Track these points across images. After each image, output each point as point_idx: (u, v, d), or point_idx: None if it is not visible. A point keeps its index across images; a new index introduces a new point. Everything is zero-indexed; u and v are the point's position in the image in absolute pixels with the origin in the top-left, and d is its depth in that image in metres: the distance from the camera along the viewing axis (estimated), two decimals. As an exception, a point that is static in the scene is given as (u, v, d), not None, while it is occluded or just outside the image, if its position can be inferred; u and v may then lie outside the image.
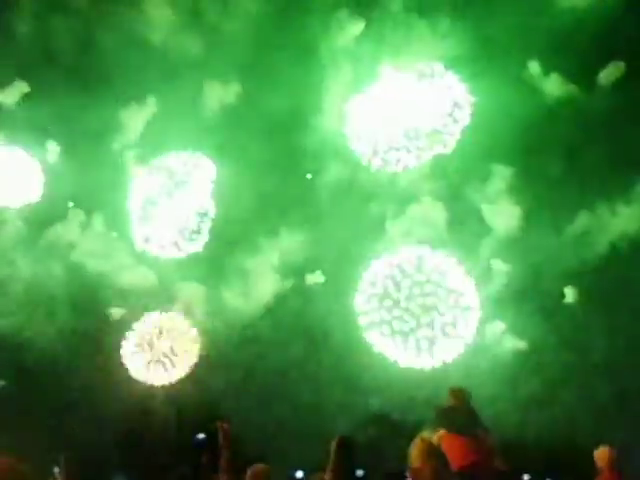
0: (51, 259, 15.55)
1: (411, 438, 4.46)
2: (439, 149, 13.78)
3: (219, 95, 15.74)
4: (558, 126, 13.53)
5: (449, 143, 13.71)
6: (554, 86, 13.94)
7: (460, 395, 6.05)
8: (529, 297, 13.39)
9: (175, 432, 15.94)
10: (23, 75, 15.21)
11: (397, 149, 13.90)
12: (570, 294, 13.55)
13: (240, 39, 15.12)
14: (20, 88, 15.05)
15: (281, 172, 15.03)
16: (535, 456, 13.14)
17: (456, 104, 13.64)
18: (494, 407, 10.82)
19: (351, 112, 14.67)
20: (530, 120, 13.17)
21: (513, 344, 13.47)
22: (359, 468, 6.54)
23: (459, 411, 5.85)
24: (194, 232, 15.01)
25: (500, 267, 13.70)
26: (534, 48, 13.95)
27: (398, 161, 13.95)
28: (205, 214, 15.03)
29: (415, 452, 3.98)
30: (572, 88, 13.88)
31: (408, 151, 13.83)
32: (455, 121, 13.63)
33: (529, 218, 13.72)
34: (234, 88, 15.72)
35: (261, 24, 15.21)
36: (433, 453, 3.97)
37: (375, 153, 14.04)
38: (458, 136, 13.66)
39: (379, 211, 14.51)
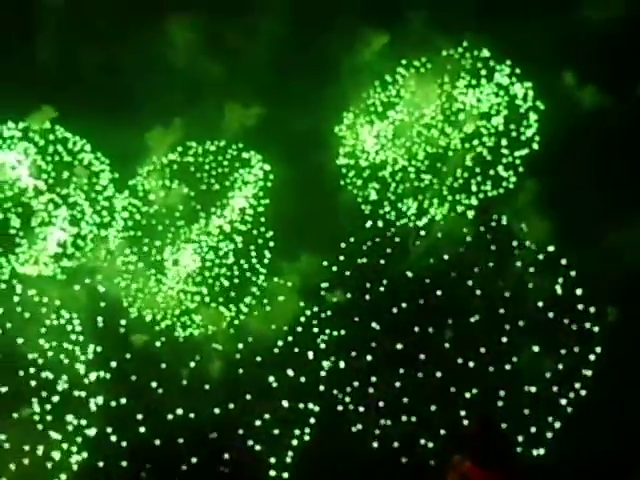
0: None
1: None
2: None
3: (240, 116, 15.70)
4: (592, 138, 13.11)
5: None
6: (590, 97, 13.53)
7: (485, 423, 5.56)
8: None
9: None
10: (48, 99, 15.31)
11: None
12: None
13: (261, 60, 15.13)
14: (47, 113, 15.13)
15: (301, 192, 14.88)
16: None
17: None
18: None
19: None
20: (562, 131, 12.81)
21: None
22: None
23: (486, 441, 5.31)
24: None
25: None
26: (570, 58, 13.61)
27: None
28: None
29: None
30: (608, 99, 13.45)
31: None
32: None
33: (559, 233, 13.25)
34: (255, 110, 15.67)
35: (282, 45, 15.17)
36: None
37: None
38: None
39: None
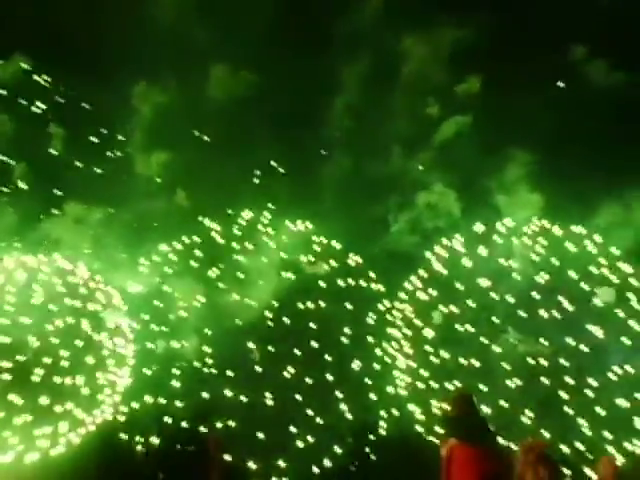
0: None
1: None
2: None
3: (228, 84, 14.96)
4: (595, 113, 12.53)
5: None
6: (599, 72, 12.95)
7: (466, 401, 5.53)
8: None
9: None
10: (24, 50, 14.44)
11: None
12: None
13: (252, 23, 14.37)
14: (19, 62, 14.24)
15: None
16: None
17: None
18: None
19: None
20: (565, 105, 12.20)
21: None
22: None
23: (467, 420, 5.35)
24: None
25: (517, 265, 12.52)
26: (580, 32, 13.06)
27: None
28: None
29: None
30: (618, 75, 12.94)
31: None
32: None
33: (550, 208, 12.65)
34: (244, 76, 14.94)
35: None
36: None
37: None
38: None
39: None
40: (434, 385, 12.58)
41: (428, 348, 12.73)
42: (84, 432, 13.20)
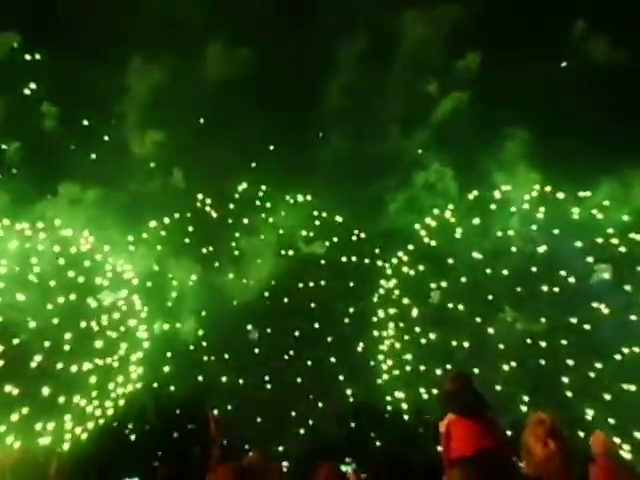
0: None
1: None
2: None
3: (224, 62, 14.74)
4: (595, 90, 12.39)
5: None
6: (599, 49, 12.79)
7: (463, 379, 5.50)
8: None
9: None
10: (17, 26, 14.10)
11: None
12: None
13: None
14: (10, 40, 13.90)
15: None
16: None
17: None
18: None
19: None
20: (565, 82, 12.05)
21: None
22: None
23: (464, 394, 5.32)
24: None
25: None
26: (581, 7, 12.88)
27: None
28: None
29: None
30: (619, 52, 12.79)
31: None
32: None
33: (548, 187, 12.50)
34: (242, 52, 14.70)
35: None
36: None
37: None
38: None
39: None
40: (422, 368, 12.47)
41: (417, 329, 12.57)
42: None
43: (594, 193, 12.16)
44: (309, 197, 13.85)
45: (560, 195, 12.20)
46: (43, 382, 11.94)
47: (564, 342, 11.95)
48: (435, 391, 11.94)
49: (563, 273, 11.91)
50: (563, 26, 13.03)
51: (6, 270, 12.25)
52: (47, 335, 12.72)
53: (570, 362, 11.84)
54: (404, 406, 12.70)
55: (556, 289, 11.92)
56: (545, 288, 12.01)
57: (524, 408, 11.61)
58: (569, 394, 11.65)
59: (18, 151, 14.91)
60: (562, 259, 11.91)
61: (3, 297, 12.12)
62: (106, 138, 15.43)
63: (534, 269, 12.20)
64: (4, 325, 12.64)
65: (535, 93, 12.49)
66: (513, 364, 12.26)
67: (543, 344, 12.10)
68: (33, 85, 14.83)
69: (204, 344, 14.52)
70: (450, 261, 12.78)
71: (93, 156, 15.42)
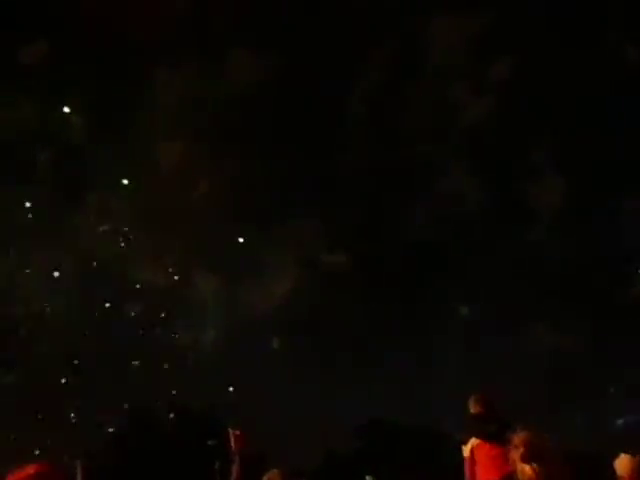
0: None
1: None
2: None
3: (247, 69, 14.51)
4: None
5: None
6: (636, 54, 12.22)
7: (486, 401, 5.31)
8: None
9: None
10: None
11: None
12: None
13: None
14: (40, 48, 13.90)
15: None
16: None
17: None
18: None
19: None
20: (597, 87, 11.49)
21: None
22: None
23: (489, 418, 5.15)
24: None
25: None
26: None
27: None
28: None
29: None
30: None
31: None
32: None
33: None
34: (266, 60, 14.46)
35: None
36: None
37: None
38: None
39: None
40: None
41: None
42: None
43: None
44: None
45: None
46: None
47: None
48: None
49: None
50: (597, 29, 12.46)
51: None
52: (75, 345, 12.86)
53: None
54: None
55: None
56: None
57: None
58: None
59: (48, 161, 14.94)
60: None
61: (32, 306, 12.24)
62: (131, 148, 15.32)
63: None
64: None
65: (566, 98, 11.94)
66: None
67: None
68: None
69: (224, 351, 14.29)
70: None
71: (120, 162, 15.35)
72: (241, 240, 14.07)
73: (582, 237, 11.99)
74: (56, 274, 12.99)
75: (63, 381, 12.37)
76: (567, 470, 3.28)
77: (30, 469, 2.69)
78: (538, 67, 12.56)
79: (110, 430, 13.80)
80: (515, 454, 3.36)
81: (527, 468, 3.21)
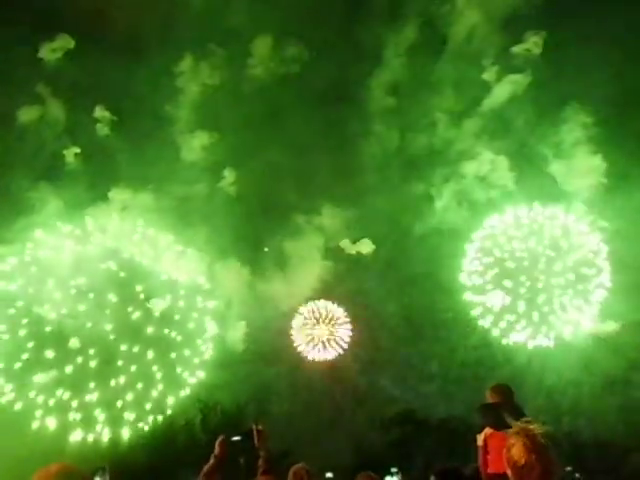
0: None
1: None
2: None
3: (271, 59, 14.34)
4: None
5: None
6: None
7: (503, 391, 5.39)
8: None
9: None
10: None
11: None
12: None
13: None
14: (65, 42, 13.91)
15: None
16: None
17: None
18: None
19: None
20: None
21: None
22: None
23: (504, 407, 5.18)
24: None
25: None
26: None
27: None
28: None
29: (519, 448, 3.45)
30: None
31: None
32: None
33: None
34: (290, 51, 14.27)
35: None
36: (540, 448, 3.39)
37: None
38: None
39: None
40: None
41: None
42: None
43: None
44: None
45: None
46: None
47: None
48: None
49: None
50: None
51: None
52: (102, 342, 12.96)
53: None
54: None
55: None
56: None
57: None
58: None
59: (77, 156, 14.99)
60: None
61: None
62: (157, 141, 15.27)
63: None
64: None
65: (599, 73, 11.32)
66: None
67: None
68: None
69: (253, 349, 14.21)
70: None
71: (144, 160, 15.31)
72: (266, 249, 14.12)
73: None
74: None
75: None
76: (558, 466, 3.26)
77: (53, 467, 2.86)
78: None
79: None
80: (513, 440, 3.33)
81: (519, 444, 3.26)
